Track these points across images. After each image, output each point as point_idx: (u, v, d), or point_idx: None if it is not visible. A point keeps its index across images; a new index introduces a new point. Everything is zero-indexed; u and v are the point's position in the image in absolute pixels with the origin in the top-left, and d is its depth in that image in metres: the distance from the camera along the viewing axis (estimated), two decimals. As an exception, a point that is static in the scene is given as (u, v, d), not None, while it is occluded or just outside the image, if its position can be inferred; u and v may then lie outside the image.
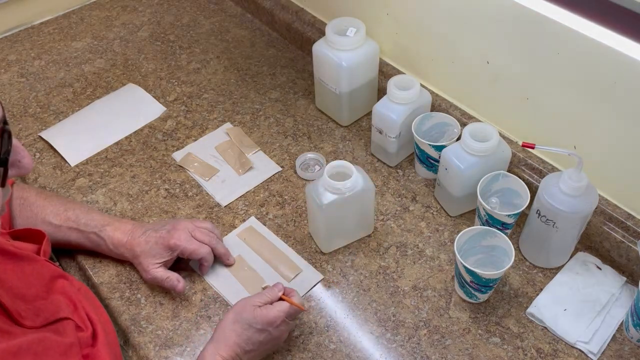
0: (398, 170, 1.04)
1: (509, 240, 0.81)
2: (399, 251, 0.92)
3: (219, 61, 1.27)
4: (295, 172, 1.04)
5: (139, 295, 0.88)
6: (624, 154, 0.81)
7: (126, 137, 1.11)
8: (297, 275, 0.89)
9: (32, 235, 0.78)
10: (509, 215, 0.84)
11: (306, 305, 0.86)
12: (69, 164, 1.07)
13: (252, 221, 0.96)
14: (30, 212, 0.87)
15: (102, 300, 0.87)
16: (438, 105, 1.03)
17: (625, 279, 0.86)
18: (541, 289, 0.86)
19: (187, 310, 0.86)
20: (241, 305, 0.75)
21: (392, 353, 0.80)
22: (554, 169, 0.91)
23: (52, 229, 0.86)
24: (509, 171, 0.91)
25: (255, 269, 0.90)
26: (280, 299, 0.77)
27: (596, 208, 0.81)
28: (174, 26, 1.38)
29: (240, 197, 1.00)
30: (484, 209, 0.86)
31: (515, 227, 0.92)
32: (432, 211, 0.97)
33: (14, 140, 0.61)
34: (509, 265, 0.78)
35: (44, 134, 1.11)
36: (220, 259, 0.89)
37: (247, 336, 0.74)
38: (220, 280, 0.89)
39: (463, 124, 0.97)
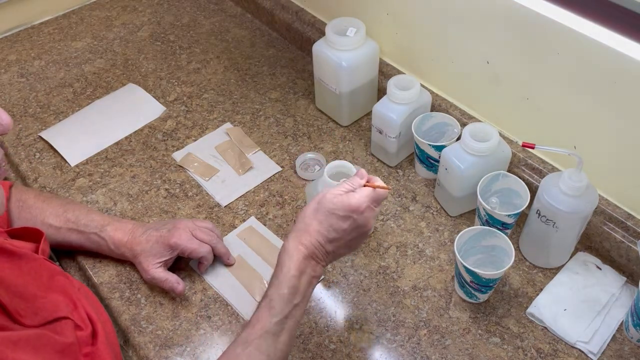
0: (398, 170, 1.04)
1: (509, 240, 0.81)
2: (399, 251, 0.92)
3: (219, 61, 1.27)
4: (295, 172, 1.04)
5: (139, 295, 0.88)
6: (624, 154, 0.81)
7: (126, 137, 1.11)
8: (297, 275, 0.89)
9: (30, 234, 0.78)
10: (509, 215, 0.84)
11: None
12: (69, 164, 1.07)
13: (252, 221, 0.96)
14: (30, 214, 0.87)
15: (102, 300, 0.87)
16: (438, 105, 1.03)
17: (625, 279, 0.86)
18: (541, 289, 0.86)
19: (187, 310, 0.86)
20: (322, 195, 0.70)
21: (392, 353, 0.80)
22: (554, 169, 0.91)
23: (53, 231, 0.86)
24: (509, 171, 0.91)
25: (255, 269, 0.90)
26: (364, 186, 0.72)
27: (596, 208, 0.81)
28: (174, 26, 1.38)
29: (240, 197, 1.00)
30: (484, 209, 0.86)
31: (515, 227, 0.92)
32: (432, 211, 0.97)
33: None
34: (509, 265, 0.78)
35: (44, 134, 1.11)
36: (220, 259, 0.90)
37: (330, 223, 0.68)
38: (220, 280, 0.89)
39: (463, 124, 0.97)
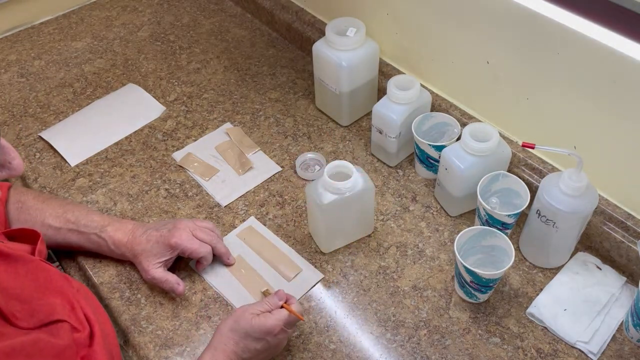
0: (398, 170, 1.04)
1: (509, 240, 0.81)
2: (399, 251, 0.92)
3: (219, 61, 1.27)
4: (295, 172, 1.04)
5: (139, 295, 0.88)
6: (624, 154, 0.81)
7: (126, 137, 1.11)
8: (297, 274, 0.89)
9: (27, 236, 0.78)
10: (509, 215, 0.84)
11: (305, 305, 0.85)
12: (69, 164, 1.07)
13: (252, 221, 0.96)
14: (29, 215, 0.87)
15: (102, 300, 0.87)
16: (438, 105, 1.03)
17: (625, 279, 0.86)
18: (541, 289, 0.86)
19: (187, 310, 0.86)
20: (240, 313, 0.75)
21: (392, 353, 0.80)
22: (554, 169, 0.91)
23: (52, 232, 0.86)
24: (509, 171, 0.91)
25: (255, 269, 0.90)
26: (282, 307, 0.77)
27: (596, 208, 0.81)
28: (174, 26, 1.38)
29: (240, 197, 1.00)
30: (484, 209, 0.86)
31: (515, 227, 0.92)
32: (432, 211, 0.97)
33: (4, 141, 0.60)
34: (509, 265, 0.78)
35: (44, 134, 1.11)
36: (220, 259, 0.90)
37: (245, 344, 0.74)
38: (220, 280, 0.89)
39: (463, 124, 0.97)
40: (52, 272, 0.73)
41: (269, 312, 0.76)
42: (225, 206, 0.99)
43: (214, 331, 0.83)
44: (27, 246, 0.75)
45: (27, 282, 0.68)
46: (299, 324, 0.83)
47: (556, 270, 0.88)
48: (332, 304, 0.86)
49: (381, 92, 1.07)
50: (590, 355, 0.79)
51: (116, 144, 1.10)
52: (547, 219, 0.81)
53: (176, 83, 1.23)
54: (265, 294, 0.85)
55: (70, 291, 0.72)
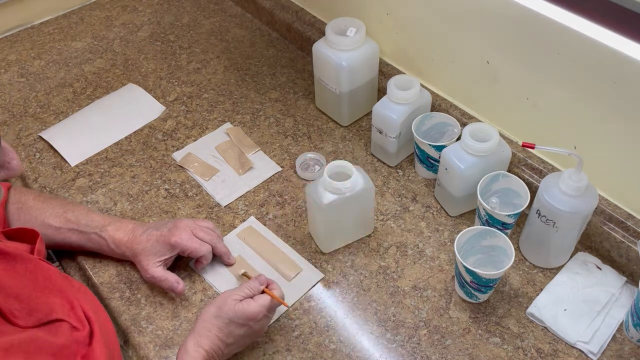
0: (398, 170, 1.04)
1: (509, 240, 0.81)
2: (399, 251, 0.92)
3: (219, 61, 1.27)
4: (295, 172, 1.04)
5: (139, 295, 0.88)
6: (624, 154, 0.81)
7: (126, 137, 1.11)
8: (297, 274, 0.89)
9: (26, 235, 0.78)
10: (509, 215, 0.84)
11: (305, 305, 0.86)
12: (69, 164, 1.07)
13: (252, 221, 0.96)
14: (29, 215, 0.87)
15: (102, 300, 0.87)
16: (438, 105, 1.03)
17: (625, 279, 0.86)
18: (541, 289, 0.86)
19: (187, 310, 0.86)
20: (222, 299, 0.76)
21: (392, 353, 0.80)
22: (554, 169, 0.91)
23: (53, 232, 0.86)
24: (509, 171, 0.91)
25: (255, 269, 0.90)
26: (263, 292, 0.78)
27: (596, 208, 0.81)
28: (174, 26, 1.38)
29: (240, 197, 1.00)
30: (484, 209, 0.86)
31: (515, 227, 0.92)
32: (432, 211, 0.97)
33: (3, 142, 0.60)
34: (509, 265, 0.78)
35: (44, 134, 1.11)
36: (220, 258, 0.90)
37: (229, 330, 0.75)
38: (220, 280, 0.89)
39: (463, 124, 0.97)
40: (51, 271, 0.73)
41: (251, 297, 0.77)
42: (225, 206, 0.99)
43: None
44: (26, 245, 0.75)
45: (25, 281, 0.68)
46: (300, 323, 0.83)
47: (556, 270, 0.88)
48: (332, 304, 0.86)
49: (381, 92, 1.07)
50: (590, 355, 0.79)
51: (116, 144, 1.10)
52: (547, 219, 0.81)
53: (176, 83, 1.23)
54: (244, 276, 0.86)
55: (71, 290, 0.72)
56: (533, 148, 0.75)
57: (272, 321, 0.82)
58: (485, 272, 0.78)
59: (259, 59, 1.27)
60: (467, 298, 0.85)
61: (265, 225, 0.96)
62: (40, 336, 0.62)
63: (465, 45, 0.95)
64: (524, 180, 0.88)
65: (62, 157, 1.08)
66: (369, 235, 0.94)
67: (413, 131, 0.95)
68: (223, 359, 0.76)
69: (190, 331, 0.76)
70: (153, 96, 1.19)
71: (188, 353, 0.73)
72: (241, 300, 0.76)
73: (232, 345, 0.76)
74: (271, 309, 0.78)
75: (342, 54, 1.00)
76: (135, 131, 1.12)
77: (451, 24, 0.95)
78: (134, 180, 1.04)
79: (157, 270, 0.84)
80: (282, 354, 0.81)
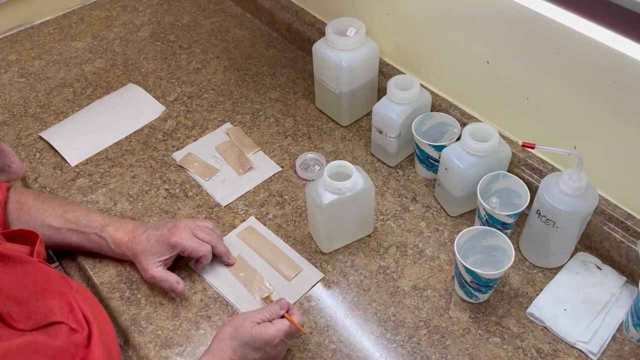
0: (398, 170, 1.04)
1: (509, 240, 0.81)
2: (399, 251, 0.92)
3: (219, 61, 1.27)
4: (295, 172, 1.04)
5: (139, 295, 0.88)
6: (624, 154, 0.81)
7: (126, 137, 1.11)
8: (297, 274, 0.89)
9: (26, 237, 0.78)
10: (509, 215, 0.84)
11: (305, 305, 0.86)
12: (69, 164, 1.07)
13: (252, 221, 0.96)
14: (29, 215, 0.87)
15: (102, 300, 0.87)
16: (438, 105, 1.03)
17: (625, 279, 0.86)
18: (541, 289, 0.86)
19: (187, 310, 0.86)
20: (240, 321, 0.74)
21: (392, 353, 0.80)
22: (554, 169, 0.91)
23: (53, 232, 0.86)
24: (509, 171, 0.91)
25: (255, 269, 0.90)
26: (283, 316, 0.76)
27: (596, 208, 0.81)
28: (174, 26, 1.38)
29: (240, 197, 1.00)
30: (484, 209, 0.86)
31: (515, 227, 0.92)
32: (432, 211, 0.97)
33: (3, 145, 0.60)
34: (509, 265, 0.78)
35: (44, 134, 1.11)
36: (220, 258, 0.90)
37: (243, 353, 0.72)
38: (220, 280, 0.89)
39: (463, 124, 0.97)
40: (50, 273, 0.73)
41: (270, 321, 0.74)
42: (225, 206, 0.99)
43: (214, 331, 0.83)
44: (25, 247, 0.75)
45: (25, 284, 0.68)
46: (300, 323, 0.83)
47: (556, 270, 0.88)
48: (332, 304, 0.86)
49: (381, 92, 1.07)
50: (590, 355, 0.79)
51: (116, 144, 1.10)
52: (547, 219, 0.81)
53: (176, 83, 1.23)
54: (267, 300, 0.84)
55: (69, 292, 0.72)
56: (533, 148, 0.75)
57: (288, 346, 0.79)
58: (485, 272, 0.78)
59: (259, 59, 1.27)
60: (467, 298, 0.85)
61: (265, 225, 0.96)
62: (39, 339, 0.62)
63: (465, 45, 0.95)
64: (524, 180, 0.88)
65: (62, 157, 1.08)
66: (369, 235, 0.94)
67: (413, 131, 0.95)
68: None
69: (205, 351, 0.74)
70: (153, 96, 1.19)
71: None
72: (259, 324, 0.73)
73: None
74: (289, 334, 0.75)
75: (342, 54, 1.00)
76: (135, 131, 1.12)
77: (451, 24, 0.95)
78: (134, 180, 1.04)
79: (157, 270, 0.84)
80: (282, 354, 0.81)
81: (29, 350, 0.60)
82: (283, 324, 0.74)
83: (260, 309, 0.76)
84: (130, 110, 1.16)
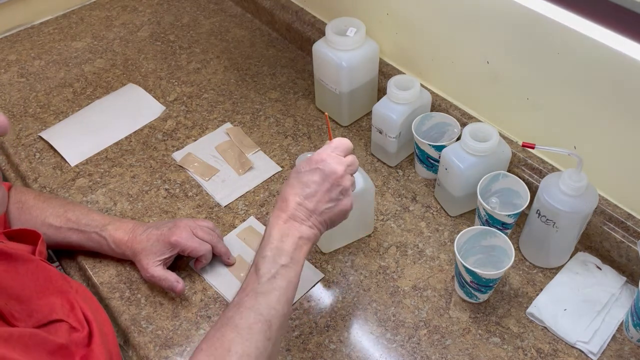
0: (398, 170, 1.04)
1: (509, 240, 0.81)
2: (399, 251, 0.92)
3: (219, 61, 1.27)
4: (295, 172, 1.04)
5: (139, 295, 0.88)
6: (624, 154, 0.81)
7: (126, 137, 1.11)
8: (297, 275, 0.89)
9: (28, 236, 0.78)
10: (509, 215, 0.84)
11: (305, 305, 0.86)
12: (69, 164, 1.07)
13: (252, 221, 0.96)
14: (30, 215, 0.87)
15: (102, 300, 0.87)
16: (438, 105, 1.03)
17: (625, 279, 0.86)
18: (541, 289, 0.86)
19: (187, 310, 0.86)
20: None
21: (392, 353, 0.80)
22: (554, 169, 0.91)
23: (53, 231, 0.86)
24: (509, 171, 0.91)
25: (255, 269, 0.90)
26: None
27: (596, 208, 0.81)
28: (174, 26, 1.38)
29: (240, 197, 1.00)
30: (484, 209, 0.86)
31: (515, 227, 0.92)
32: (432, 211, 0.97)
33: None
34: (509, 265, 0.78)
35: (44, 134, 1.11)
36: (220, 258, 0.90)
37: (300, 182, 0.70)
38: (220, 280, 0.89)
39: (463, 124, 0.97)
40: (52, 272, 0.73)
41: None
42: (225, 206, 0.99)
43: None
44: (27, 246, 0.75)
45: (27, 282, 0.68)
46: (300, 323, 0.83)
47: (556, 270, 0.88)
48: (332, 304, 0.86)
49: (381, 92, 1.07)
50: (590, 355, 0.79)
51: (116, 144, 1.10)
52: (547, 219, 0.81)
53: (176, 83, 1.23)
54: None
55: (70, 291, 0.72)
56: (533, 148, 0.75)
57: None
58: (485, 272, 0.78)
59: (259, 59, 1.27)
60: (467, 298, 0.85)
61: (265, 225, 0.96)
62: (40, 334, 0.62)
63: (465, 45, 0.95)
64: (524, 180, 0.88)
65: (62, 157, 1.08)
66: (369, 235, 0.94)
67: (413, 131, 0.95)
68: (313, 219, 0.69)
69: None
70: (153, 96, 1.19)
71: (269, 224, 0.69)
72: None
73: (313, 197, 0.69)
74: (337, 148, 0.71)
75: (342, 54, 1.00)
76: (135, 131, 1.12)
77: (451, 24, 0.95)
78: (134, 180, 1.04)
79: (157, 270, 0.84)
80: (282, 354, 0.81)
81: (30, 341, 0.60)
82: (327, 145, 0.72)
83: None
84: (130, 110, 1.16)
